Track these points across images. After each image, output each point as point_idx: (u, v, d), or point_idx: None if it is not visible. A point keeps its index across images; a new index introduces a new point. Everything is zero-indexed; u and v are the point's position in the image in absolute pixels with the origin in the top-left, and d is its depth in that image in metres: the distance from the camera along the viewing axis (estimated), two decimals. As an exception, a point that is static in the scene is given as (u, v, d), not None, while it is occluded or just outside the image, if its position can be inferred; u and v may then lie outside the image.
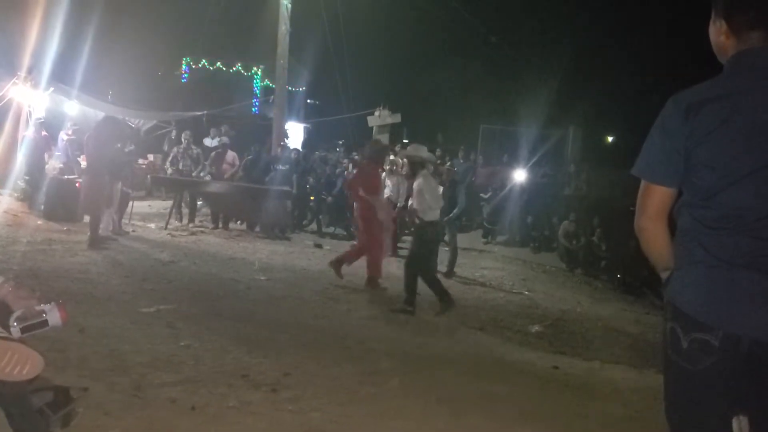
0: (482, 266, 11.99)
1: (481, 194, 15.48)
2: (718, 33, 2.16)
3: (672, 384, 2.15)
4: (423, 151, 8.34)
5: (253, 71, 27.50)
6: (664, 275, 2.19)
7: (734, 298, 1.97)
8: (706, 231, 2.04)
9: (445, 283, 10.15)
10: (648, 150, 2.14)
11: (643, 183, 2.17)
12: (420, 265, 7.88)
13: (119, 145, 10.27)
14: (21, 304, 2.38)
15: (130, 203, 11.74)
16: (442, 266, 11.18)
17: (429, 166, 8.16)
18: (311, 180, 14.59)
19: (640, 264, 12.50)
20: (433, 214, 7.82)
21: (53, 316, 2.39)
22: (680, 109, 2.04)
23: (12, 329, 2.32)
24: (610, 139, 30.58)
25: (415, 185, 7.83)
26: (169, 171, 13.49)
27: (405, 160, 8.31)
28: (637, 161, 2.17)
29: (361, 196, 8.73)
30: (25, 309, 2.37)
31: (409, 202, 11.13)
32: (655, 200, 2.14)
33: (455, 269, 10.89)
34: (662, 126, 2.09)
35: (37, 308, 2.40)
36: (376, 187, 8.98)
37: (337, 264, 8.94)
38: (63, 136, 12.85)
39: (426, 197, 7.71)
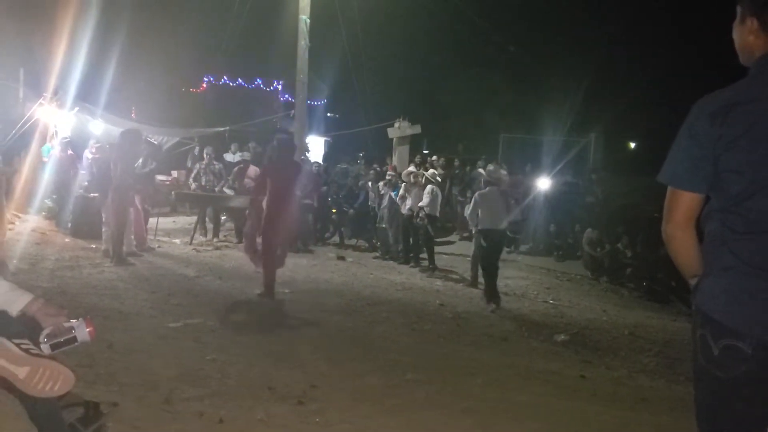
0: (506, 275, 11.90)
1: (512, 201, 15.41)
2: (747, 32, 2.11)
3: (703, 392, 2.12)
4: (499, 173, 10.16)
5: (273, 86, 27.74)
6: (692, 282, 2.17)
7: (766, 303, 1.95)
8: (735, 237, 2.01)
9: (471, 292, 10.22)
10: (674, 156, 2.12)
11: (669, 189, 2.14)
12: (484, 263, 9.55)
13: (140, 161, 10.40)
14: (50, 321, 2.44)
15: (155, 220, 11.88)
16: (466, 273, 11.20)
17: (499, 185, 9.60)
18: (330, 191, 14.64)
19: (666, 271, 12.38)
20: (486, 224, 9.21)
21: (81, 331, 2.45)
22: (706, 115, 2.01)
23: (42, 346, 2.38)
24: (632, 145, 30.35)
25: (475, 196, 9.58)
26: (193, 187, 13.63)
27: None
28: (663, 167, 2.14)
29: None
30: (54, 326, 2.42)
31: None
32: (682, 207, 2.11)
33: (479, 279, 10.85)
34: (688, 132, 2.07)
35: (66, 325, 2.46)
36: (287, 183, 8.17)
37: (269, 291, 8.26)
38: (87, 154, 13.05)
39: (478, 209, 9.26)
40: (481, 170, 16.56)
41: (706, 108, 2.03)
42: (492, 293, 9.32)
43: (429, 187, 11.95)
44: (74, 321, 2.48)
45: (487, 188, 9.43)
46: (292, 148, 8.71)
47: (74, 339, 2.46)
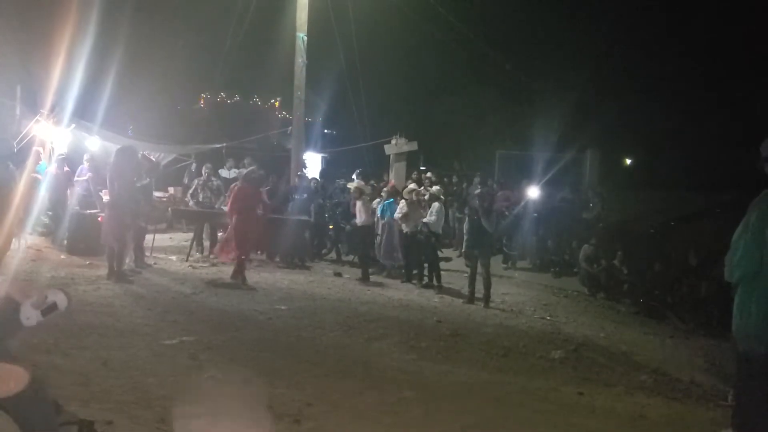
0: (503, 292, 11.92)
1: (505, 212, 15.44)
2: None
3: None
4: (365, 186, 13.16)
5: (270, 103, 27.82)
6: None
7: None
8: None
9: (469, 309, 10.23)
10: None
11: None
12: (362, 250, 12.51)
13: (135, 179, 10.36)
14: (28, 293, 2.49)
15: (152, 236, 11.85)
16: (463, 290, 11.18)
17: (366, 194, 12.76)
18: (327, 207, 14.63)
19: (662, 287, 12.38)
20: (364, 221, 12.27)
21: (59, 297, 2.54)
22: None
23: (32, 314, 2.43)
24: (628, 161, 30.41)
25: (357, 204, 12.39)
26: (191, 203, 13.61)
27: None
28: None
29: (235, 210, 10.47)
30: (35, 298, 2.48)
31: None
32: None
33: (477, 295, 10.85)
34: None
35: (44, 293, 2.53)
36: (254, 203, 10.75)
37: (238, 276, 10.13)
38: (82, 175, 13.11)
39: (361, 211, 12.21)
40: (478, 186, 16.62)
41: None
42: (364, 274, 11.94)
43: (436, 204, 11.95)
44: (49, 291, 2.56)
45: (363, 196, 12.36)
46: (259, 180, 11.69)
47: (56, 305, 2.54)
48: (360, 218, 12.37)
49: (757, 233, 3.47)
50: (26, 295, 2.48)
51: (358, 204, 12.41)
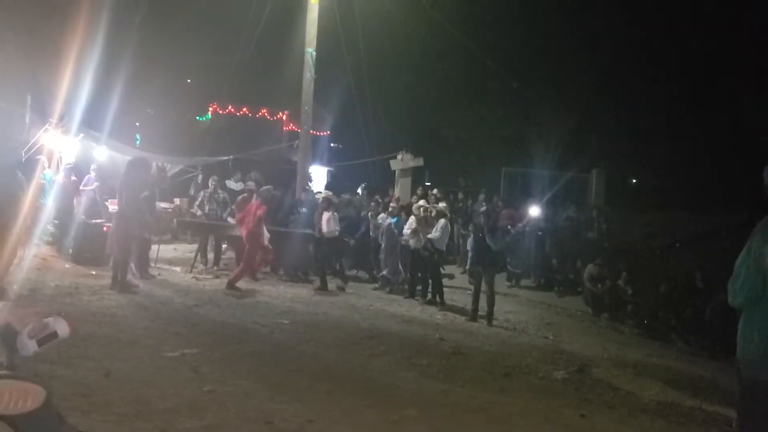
0: (506, 310, 11.89)
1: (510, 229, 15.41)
2: None
3: None
4: (333, 197, 13.15)
5: (278, 116, 27.94)
6: None
7: None
8: None
9: (471, 326, 10.21)
10: None
11: None
12: (328, 260, 12.46)
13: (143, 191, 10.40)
14: (27, 321, 2.46)
15: (156, 247, 11.88)
16: (467, 307, 11.17)
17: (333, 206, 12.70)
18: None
19: (666, 309, 12.32)
20: (330, 234, 11.99)
21: (61, 326, 2.48)
22: None
23: (28, 344, 2.39)
24: (633, 181, 30.38)
25: (325, 215, 12.08)
26: (198, 213, 13.66)
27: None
28: None
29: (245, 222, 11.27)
30: (33, 325, 2.44)
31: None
32: None
33: (480, 313, 10.83)
34: None
35: (44, 321, 2.48)
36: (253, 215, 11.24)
37: (233, 285, 10.60)
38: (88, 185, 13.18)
39: (330, 222, 11.95)
40: (483, 203, 16.63)
41: None
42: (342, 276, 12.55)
43: (442, 221, 11.93)
44: (50, 318, 2.50)
45: (330, 208, 12.28)
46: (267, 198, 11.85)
47: (55, 334, 2.48)
48: (327, 229, 12.05)
49: (759, 259, 3.47)
50: (25, 324, 2.46)
51: (326, 215, 12.11)
